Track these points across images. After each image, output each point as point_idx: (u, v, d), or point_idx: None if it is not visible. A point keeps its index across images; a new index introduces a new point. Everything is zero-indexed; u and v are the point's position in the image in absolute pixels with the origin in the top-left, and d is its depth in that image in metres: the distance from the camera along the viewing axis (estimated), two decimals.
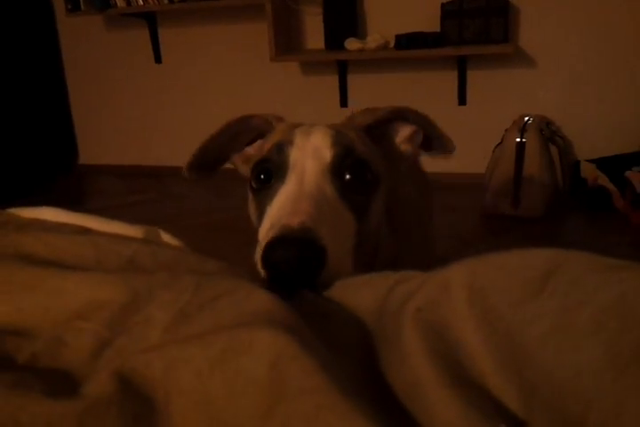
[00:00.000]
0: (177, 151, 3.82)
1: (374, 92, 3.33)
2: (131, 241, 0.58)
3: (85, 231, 0.66)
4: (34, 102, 3.73)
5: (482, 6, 2.89)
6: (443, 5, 2.97)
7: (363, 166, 0.77)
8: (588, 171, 2.86)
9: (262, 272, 0.63)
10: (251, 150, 0.96)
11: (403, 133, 0.91)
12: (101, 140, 4.05)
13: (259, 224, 0.76)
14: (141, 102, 3.86)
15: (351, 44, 3.08)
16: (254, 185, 0.80)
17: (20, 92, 3.61)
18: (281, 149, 0.77)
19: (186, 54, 3.66)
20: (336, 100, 3.40)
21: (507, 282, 0.40)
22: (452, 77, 3.17)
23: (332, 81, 3.37)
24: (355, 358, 0.44)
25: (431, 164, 0.93)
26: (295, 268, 0.60)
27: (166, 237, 0.69)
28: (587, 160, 2.92)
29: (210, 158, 0.94)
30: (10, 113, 3.52)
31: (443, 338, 0.40)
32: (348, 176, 0.75)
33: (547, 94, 3.09)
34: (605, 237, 2.49)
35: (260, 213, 0.77)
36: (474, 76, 3.15)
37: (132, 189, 3.65)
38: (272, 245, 0.61)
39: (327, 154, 0.75)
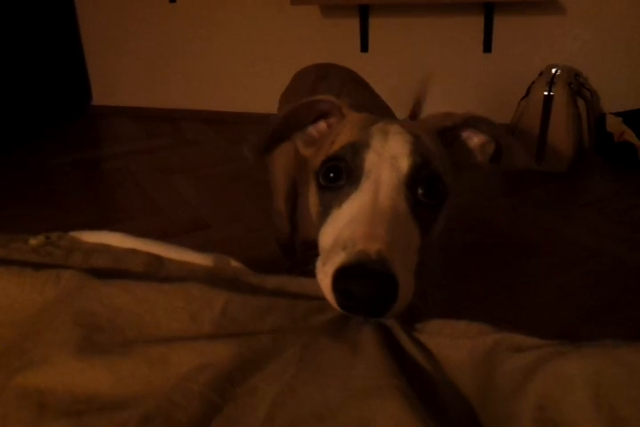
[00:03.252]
0: (191, 94, 3.78)
1: (396, 37, 3.22)
2: (220, 288, 0.56)
3: (157, 261, 0.65)
4: (45, 41, 3.60)
5: None
6: None
7: (435, 180, 0.76)
8: (613, 125, 2.81)
9: (331, 296, 0.62)
10: (314, 131, 0.95)
11: (474, 142, 0.90)
12: (115, 81, 3.95)
13: (319, 221, 0.77)
14: (155, 42, 3.73)
15: None
16: (322, 182, 0.78)
17: (32, 30, 3.48)
18: (356, 150, 0.76)
19: None
20: (357, 44, 3.29)
21: (633, 384, 0.40)
22: (477, 23, 3.04)
23: (353, 25, 3.25)
24: None
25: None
26: (370, 299, 0.59)
27: (236, 264, 0.68)
28: (612, 113, 2.86)
29: (272, 140, 0.93)
30: (21, 53, 3.42)
31: None
32: (420, 191, 0.74)
33: (575, 43, 2.99)
34: (628, 193, 2.48)
35: (324, 211, 0.77)
36: (501, 23, 3.03)
37: (147, 134, 3.59)
38: (349, 272, 0.60)
39: (405, 164, 0.74)
